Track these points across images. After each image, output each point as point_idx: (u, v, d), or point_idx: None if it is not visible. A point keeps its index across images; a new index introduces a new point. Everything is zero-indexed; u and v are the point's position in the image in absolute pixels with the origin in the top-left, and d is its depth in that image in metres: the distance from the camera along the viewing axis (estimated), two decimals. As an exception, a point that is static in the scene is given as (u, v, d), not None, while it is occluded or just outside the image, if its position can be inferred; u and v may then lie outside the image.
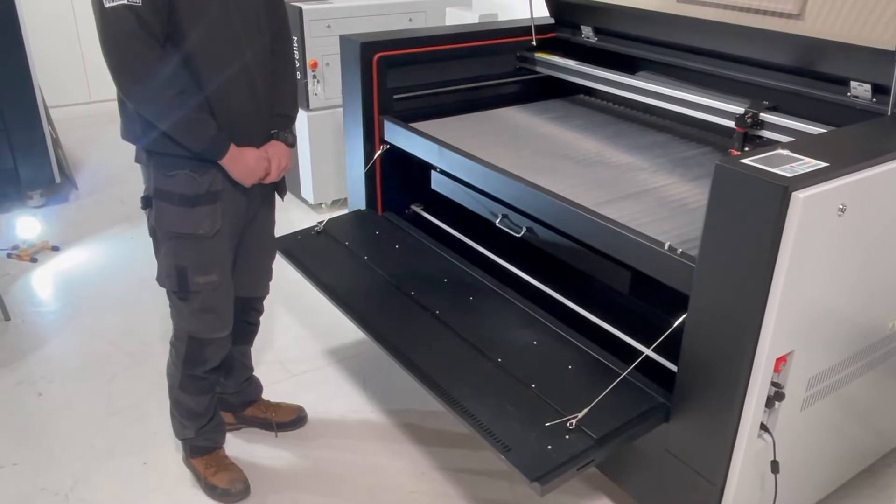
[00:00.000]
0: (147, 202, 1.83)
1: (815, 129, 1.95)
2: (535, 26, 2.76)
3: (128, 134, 1.79)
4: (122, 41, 1.59)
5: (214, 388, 2.08)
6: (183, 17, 1.65)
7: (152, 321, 2.95)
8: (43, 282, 3.26)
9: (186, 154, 1.73)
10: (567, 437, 1.64)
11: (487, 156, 2.21)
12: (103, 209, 3.95)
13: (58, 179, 3.96)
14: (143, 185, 1.84)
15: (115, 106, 1.76)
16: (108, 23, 1.58)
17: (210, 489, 2.11)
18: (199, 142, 1.72)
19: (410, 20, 3.77)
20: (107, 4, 1.56)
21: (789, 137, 1.99)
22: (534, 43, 2.79)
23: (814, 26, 1.95)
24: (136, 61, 1.61)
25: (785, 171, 1.41)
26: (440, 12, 3.91)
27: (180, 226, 1.79)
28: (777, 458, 1.66)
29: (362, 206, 2.68)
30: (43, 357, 2.74)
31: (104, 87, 5.32)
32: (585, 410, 1.68)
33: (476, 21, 3.62)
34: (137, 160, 1.83)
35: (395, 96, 2.56)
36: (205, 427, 2.10)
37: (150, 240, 1.89)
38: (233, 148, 1.77)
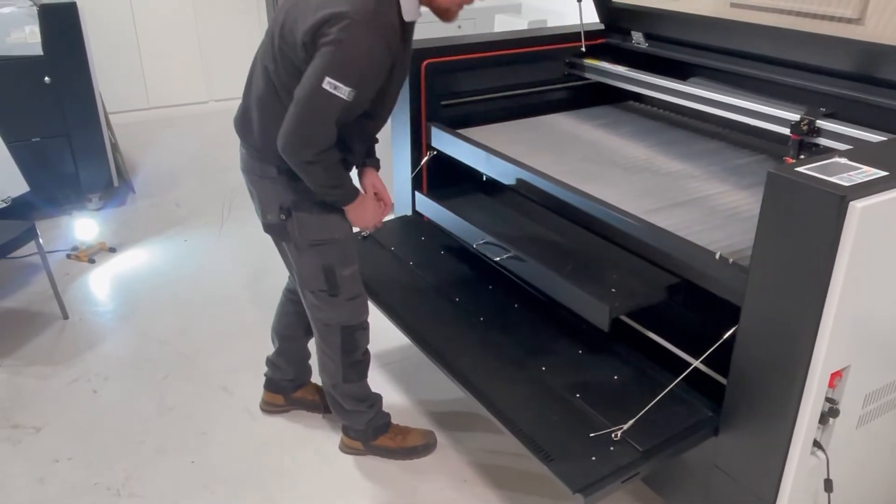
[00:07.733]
0: (287, 213, 1.92)
1: (874, 137, 1.88)
2: (585, 32, 2.74)
3: (267, 156, 1.88)
4: (314, 120, 1.72)
5: (368, 368, 2.19)
6: (381, 95, 1.83)
7: (204, 322, 3.01)
8: (100, 282, 3.36)
9: None
10: (612, 448, 1.62)
11: (534, 162, 2.19)
12: (159, 212, 4.07)
13: (116, 183, 4.09)
14: (267, 199, 1.94)
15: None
16: (314, 100, 1.69)
17: (411, 452, 2.27)
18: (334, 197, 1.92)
19: (459, 27, 3.78)
20: (324, 86, 1.66)
21: (847, 145, 1.93)
22: (583, 49, 2.77)
23: (874, 31, 1.89)
24: (313, 139, 1.73)
25: (842, 179, 1.37)
26: (489, 19, 3.91)
27: (320, 233, 1.95)
28: (831, 477, 1.61)
29: (408, 211, 2.69)
30: (98, 355, 2.82)
31: (161, 93, 5.51)
32: (631, 422, 1.65)
33: (525, 27, 3.62)
34: (264, 175, 1.92)
35: (443, 102, 2.57)
36: (376, 404, 2.25)
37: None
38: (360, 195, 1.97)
